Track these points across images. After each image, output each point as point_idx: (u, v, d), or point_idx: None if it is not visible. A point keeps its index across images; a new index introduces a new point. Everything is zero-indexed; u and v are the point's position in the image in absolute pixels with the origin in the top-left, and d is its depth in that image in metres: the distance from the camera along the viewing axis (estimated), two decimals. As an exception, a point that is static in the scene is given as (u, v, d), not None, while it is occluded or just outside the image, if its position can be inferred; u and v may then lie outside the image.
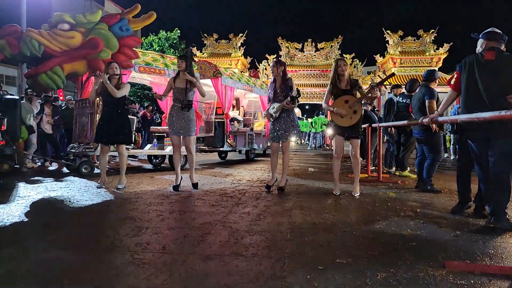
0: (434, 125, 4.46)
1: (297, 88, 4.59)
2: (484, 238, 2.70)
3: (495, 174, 2.95)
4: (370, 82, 28.52)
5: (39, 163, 8.06)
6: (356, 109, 4.33)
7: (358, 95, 4.41)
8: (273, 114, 4.63)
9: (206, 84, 8.39)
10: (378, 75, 11.78)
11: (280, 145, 4.76)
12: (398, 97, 6.59)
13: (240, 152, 10.40)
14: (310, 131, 18.66)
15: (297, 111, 17.26)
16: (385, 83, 4.88)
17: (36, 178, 5.88)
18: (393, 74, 5.09)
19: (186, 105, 4.59)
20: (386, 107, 7.38)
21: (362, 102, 4.43)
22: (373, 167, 7.39)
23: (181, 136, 4.73)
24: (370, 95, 4.37)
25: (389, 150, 7.39)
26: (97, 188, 4.73)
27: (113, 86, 4.73)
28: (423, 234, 2.78)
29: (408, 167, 6.88)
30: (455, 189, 4.93)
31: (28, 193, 4.38)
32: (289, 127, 4.63)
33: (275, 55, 32.70)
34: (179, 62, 4.68)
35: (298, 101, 4.66)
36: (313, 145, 17.67)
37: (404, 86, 6.60)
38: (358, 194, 4.46)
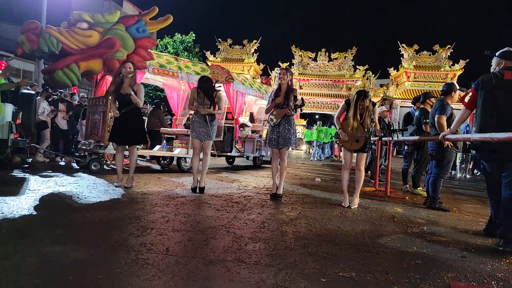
0: (447, 142, 4.40)
1: (301, 97, 4.82)
2: (492, 261, 2.65)
3: (507, 196, 2.89)
4: (382, 95, 28.41)
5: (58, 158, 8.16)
6: (358, 139, 4.45)
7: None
8: (274, 120, 4.73)
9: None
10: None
11: (279, 152, 4.80)
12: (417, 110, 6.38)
13: (247, 158, 10.40)
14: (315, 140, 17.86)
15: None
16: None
17: (46, 172, 5.96)
18: (405, 129, 5.34)
19: (210, 119, 4.84)
20: (404, 121, 7.12)
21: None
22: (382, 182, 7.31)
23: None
24: (376, 133, 4.63)
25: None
26: (115, 187, 4.75)
27: (127, 85, 4.74)
28: (429, 253, 2.74)
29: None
30: (464, 209, 4.89)
31: (38, 187, 4.44)
32: (289, 134, 4.72)
33: (288, 63, 32.84)
34: (200, 95, 4.81)
35: (301, 110, 5.00)
36: (317, 156, 16.85)
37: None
38: (356, 206, 4.48)
